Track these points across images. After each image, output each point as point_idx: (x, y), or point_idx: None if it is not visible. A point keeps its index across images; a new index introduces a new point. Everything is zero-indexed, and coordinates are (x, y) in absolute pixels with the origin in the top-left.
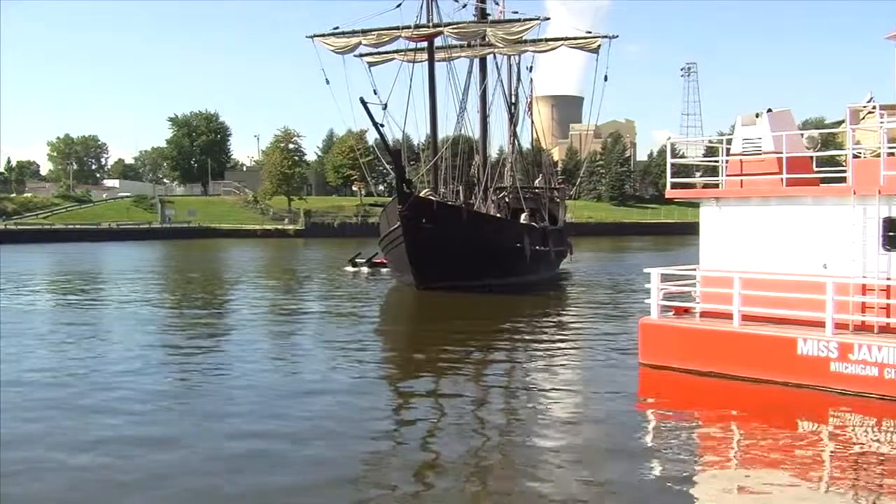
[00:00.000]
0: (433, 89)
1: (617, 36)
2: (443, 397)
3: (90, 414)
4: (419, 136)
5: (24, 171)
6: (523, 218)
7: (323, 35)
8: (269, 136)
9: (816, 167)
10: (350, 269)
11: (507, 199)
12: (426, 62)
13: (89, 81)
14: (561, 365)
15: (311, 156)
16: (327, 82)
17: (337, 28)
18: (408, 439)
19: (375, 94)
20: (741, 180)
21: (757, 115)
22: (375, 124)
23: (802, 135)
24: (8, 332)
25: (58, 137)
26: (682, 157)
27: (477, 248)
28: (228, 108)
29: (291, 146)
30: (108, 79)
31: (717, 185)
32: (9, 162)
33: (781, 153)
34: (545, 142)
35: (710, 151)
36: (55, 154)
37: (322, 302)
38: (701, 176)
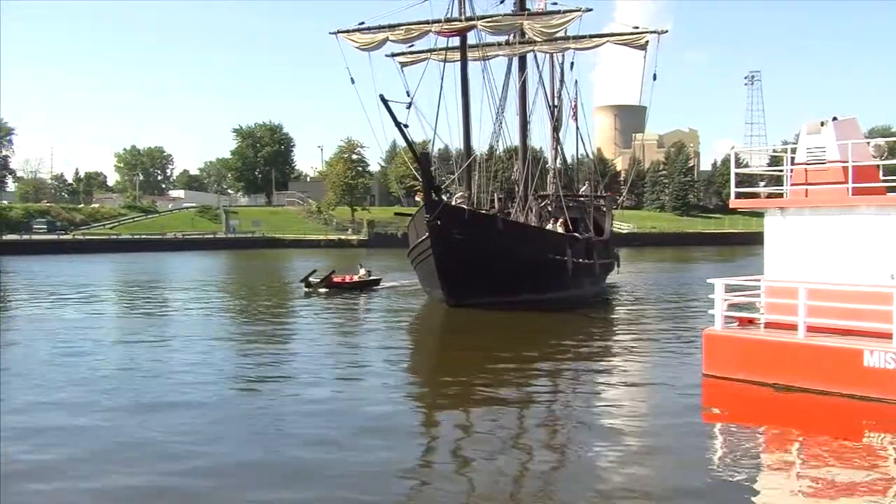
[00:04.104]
0: (466, 88)
1: (666, 31)
2: (491, 421)
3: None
4: (451, 140)
5: (92, 182)
6: (551, 226)
7: (348, 31)
8: (332, 147)
9: (883, 176)
10: (304, 288)
11: (549, 208)
12: (460, 61)
13: (155, 93)
14: (623, 372)
15: (374, 166)
16: (352, 81)
17: (362, 23)
18: (457, 465)
19: (408, 94)
20: (806, 189)
21: (822, 124)
22: (398, 124)
23: (868, 143)
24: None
25: (124, 149)
26: (746, 166)
27: (513, 260)
28: (292, 120)
29: (355, 157)
30: (173, 91)
31: (781, 195)
32: (77, 173)
33: (847, 162)
34: (607, 150)
35: (775, 161)
36: (122, 165)
37: (358, 319)
38: (765, 185)
